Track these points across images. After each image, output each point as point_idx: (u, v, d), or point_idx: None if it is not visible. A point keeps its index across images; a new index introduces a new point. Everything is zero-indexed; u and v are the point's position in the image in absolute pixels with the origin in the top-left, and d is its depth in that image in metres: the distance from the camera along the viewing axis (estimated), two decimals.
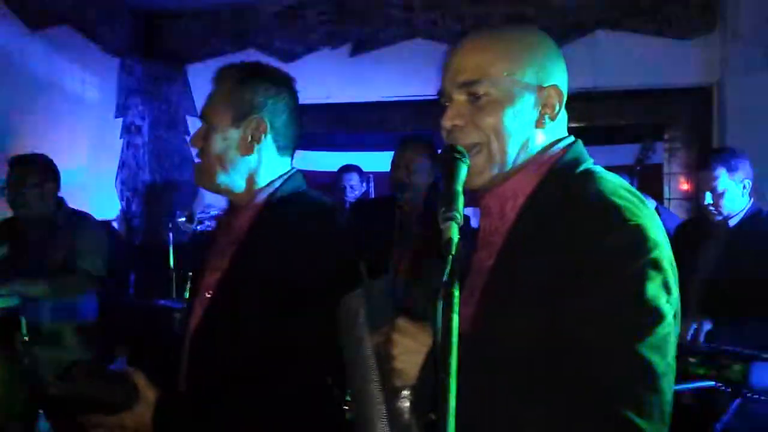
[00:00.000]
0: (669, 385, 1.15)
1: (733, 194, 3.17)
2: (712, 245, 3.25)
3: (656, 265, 1.17)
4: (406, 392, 1.23)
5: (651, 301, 1.15)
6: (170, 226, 4.10)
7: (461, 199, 1.13)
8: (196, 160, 1.78)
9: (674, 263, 1.24)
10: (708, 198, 3.18)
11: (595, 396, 1.11)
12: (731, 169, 3.15)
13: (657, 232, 1.20)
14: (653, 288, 1.15)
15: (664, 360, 1.14)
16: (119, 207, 5.53)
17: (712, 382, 2.71)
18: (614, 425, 1.11)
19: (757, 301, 2.95)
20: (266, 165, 1.74)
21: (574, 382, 1.13)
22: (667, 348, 1.16)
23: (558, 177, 1.31)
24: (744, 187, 3.18)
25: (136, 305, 4.55)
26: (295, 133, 1.79)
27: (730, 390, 2.73)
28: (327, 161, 6.14)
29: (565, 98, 1.36)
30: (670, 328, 1.17)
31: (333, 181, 5.20)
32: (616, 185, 1.26)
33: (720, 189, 3.15)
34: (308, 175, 5.98)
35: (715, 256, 3.22)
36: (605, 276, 1.15)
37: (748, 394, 2.65)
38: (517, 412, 1.14)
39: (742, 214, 3.21)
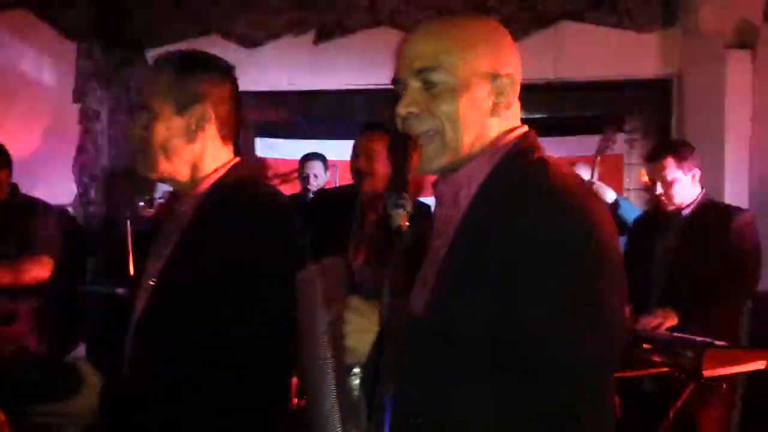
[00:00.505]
0: (611, 372, 1.17)
1: (682, 184, 3.24)
2: (668, 236, 3.32)
3: (602, 255, 1.18)
4: (356, 370, 1.23)
5: (596, 290, 1.16)
6: (128, 213, 4.04)
7: (411, 187, 1.14)
8: (139, 148, 1.78)
9: (621, 254, 1.26)
10: (659, 188, 3.26)
11: (538, 380, 1.12)
12: (680, 159, 3.24)
13: (604, 223, 1.21)
14: (599, 278, 1.17)
15: (608, 350, 1.16)
16: (76, 193, 5.44)
17: (667, 369, 2.76)
18: (555, 410, 1.12)
19: (709, 289, 3.01)
20: (210, 154, 1.75)
21: (519, 367, 1.14)
22: (612, 339, 1.17)
23: (510, 166, 1.32)
24: (693, 176, 3.26)
25: (94, 293, 4.48)
26: (237, 121, 1.81)
27: (684, 376, 2.78)
28: (291, 149, 6.09)
29: (518, 87, 1.37)
30: (615, 319, 1.18)
31: (297, 169, 5.16)
32: (567, 176, 1.27)
33: (669, 178, 3.23)
34: (272, 163, 5.93)
35: (670, 246, 3.29)
36: (551, 265, 1.16)
37: (702, 380, 2.71)
38: (463, 393, 1.15)
39: (694, 205, 3.28)
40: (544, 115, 5.17)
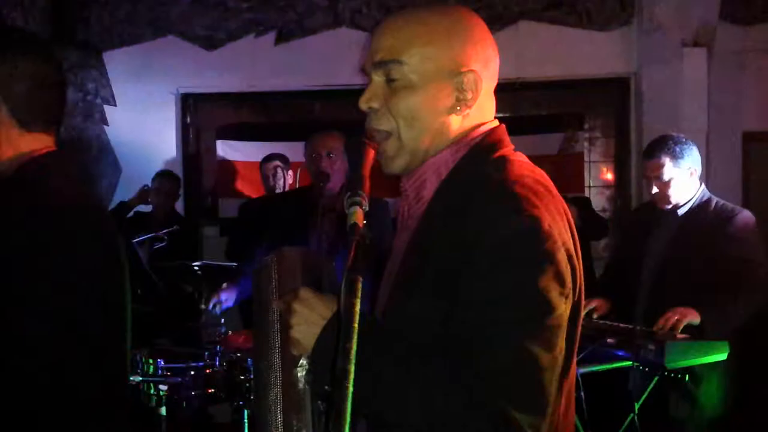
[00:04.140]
0: (552, 378, 1.14)
1: (679, 183, 3.09)
2: (663, 233, 3.19)
3: (548, 257, 1.15)
4: (303, 361, 1.22)
5: (540, 292, 1.13)
6: None
7: (367, 184, 1.12)
8: None
9: (574, 255, 1.23)
10: (655, 187, 3.12)
11: (476, 382, 1.11)
12: (676, 157, 3.08)
13: (554, 224, 1.18)
14: (543, 279, 1.14)
15: (549, 353, 1.13)
16: None
17: (630, 363, 2.77)
18: (490, 414, 1.10)
19: (699, 290, 2.88)
20: (5, 143, 1.52)
21: (460, 366, 1.12)
22: (555, 341, 1.15)
23: (472, 162, 1.29)
24: (691, 174, 3.11)
25: None
26: (44, 105, 1.56)
27: (647, 369, 2.80)
28: (253, 151, 6.02)
29: (485, 83, 1.31)
30: (560, 320, 1.16)
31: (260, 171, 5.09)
32: (524, 174, 1.24)
33: (665, 178, 3.08)
34: (234, 166, 5.80)
35: (664, 244, 3.16)
36: (496, 265, 1.14)
37: (665, 373, 2.73)
38: (406, 391, 1.13)
39: (691, 203, 3.14)
40: (505, 115, 5.20)
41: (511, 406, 1.09)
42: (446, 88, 1.28)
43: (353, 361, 0.91)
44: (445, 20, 1.30)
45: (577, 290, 1.24)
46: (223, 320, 3.08)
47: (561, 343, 1.16)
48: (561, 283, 1.16)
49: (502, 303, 1.12)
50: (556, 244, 1.17)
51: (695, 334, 2.78)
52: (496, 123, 1.36)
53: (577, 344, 1.29)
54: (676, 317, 2.78)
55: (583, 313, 1.31)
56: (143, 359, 2.87)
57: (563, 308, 1.17)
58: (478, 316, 1.13)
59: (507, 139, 1.34)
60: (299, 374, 1.23)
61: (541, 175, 1.29)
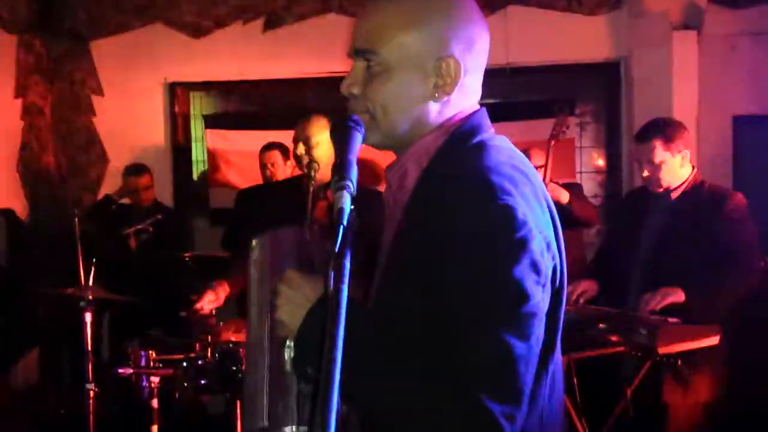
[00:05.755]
0: (527, 368, 1.13)
1: (671, 166, 3.09)
2: (655, 217, 3.17)
3: (522, 246, 1.14)
4: (290, 343, 1.22)
5: (514, 281, 1.12)
6: (76, 211, 3.91)
7: (354, 169, 1.11)
8: None
9: (553, 244, 1.22)
10: (646, 170, 3.13)
11: (450, 372, 1.10)
12: (667, 140, 3.07)
13: (528, 213, 1.17)
14: (518, 268, 1.13)
15: (525, 342, 1.12)
16: (22, 193, 5.28)
17: (622, 348, 2.78)
18: (464, 404, 1.09)
19: (693, 274, 2.88)
20: None
21: (435, 356, 1.12)
22: (530, 330, 1.14)
23: (450, 150, 1.28)
24: (683, 157, 3.10)
25: (41, 294, 4.36)
26: None
27: (639, 354, 2.81)
28: (244, 141, 5.98)
29: (469, 64, 1.29)
30: (535, 309, 1.15)
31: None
32: (500, 161, 1.23)
33: (656, 161, 3.07)
34: (224, 155, 5.73)
35: (656, 228, 3.15)
36: (470, 254, 1.13)
37: (657, 357, 2.74)
38: (387, 382, 1.14)
39: (684, 186, 3.14)
40: (495, 101, 5.18)
41: (484, 396, 1.09)
42: (423, 74, 1.27)
43: (339, 347, 0.91)
44: (426, 5, 1.28)
45: (558, 278, 1.24)
46: (215, 312, 3.07)
47: (537, 332, 1.16)
48: (536, 271, 1.16)
49: (475, 292, 1.12)
50: (531, 232, 1.16)
51: (681, 313, 2.80)
52: (476, 107, 1.34)
53: (559, 332, 1.29)
54: (658, 298, 2.80)
55: (566, 299, 1.30)
56: (134, 351, 2.86)
57: (539, 297, 1.16)
58: (453, 305, 1.12)
59: (487, 123, 1.33)
60: (286, 357, 1.23)
61: (520, 161, 1.28)
